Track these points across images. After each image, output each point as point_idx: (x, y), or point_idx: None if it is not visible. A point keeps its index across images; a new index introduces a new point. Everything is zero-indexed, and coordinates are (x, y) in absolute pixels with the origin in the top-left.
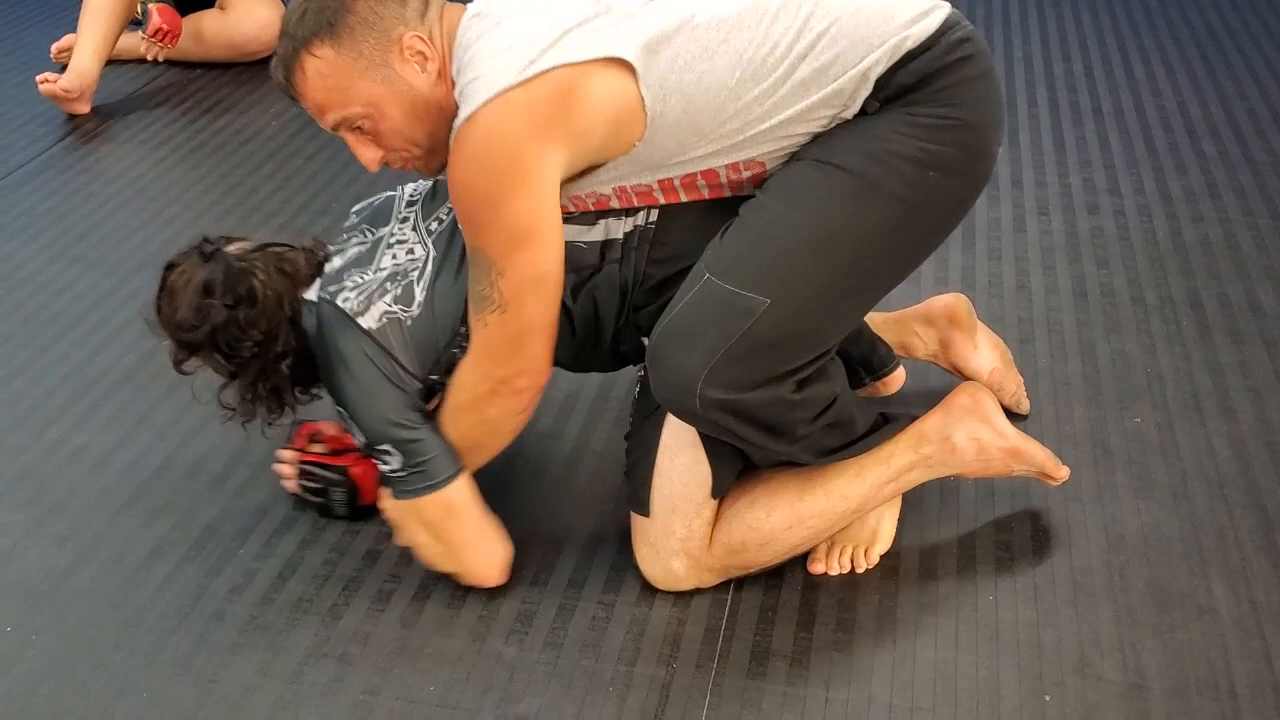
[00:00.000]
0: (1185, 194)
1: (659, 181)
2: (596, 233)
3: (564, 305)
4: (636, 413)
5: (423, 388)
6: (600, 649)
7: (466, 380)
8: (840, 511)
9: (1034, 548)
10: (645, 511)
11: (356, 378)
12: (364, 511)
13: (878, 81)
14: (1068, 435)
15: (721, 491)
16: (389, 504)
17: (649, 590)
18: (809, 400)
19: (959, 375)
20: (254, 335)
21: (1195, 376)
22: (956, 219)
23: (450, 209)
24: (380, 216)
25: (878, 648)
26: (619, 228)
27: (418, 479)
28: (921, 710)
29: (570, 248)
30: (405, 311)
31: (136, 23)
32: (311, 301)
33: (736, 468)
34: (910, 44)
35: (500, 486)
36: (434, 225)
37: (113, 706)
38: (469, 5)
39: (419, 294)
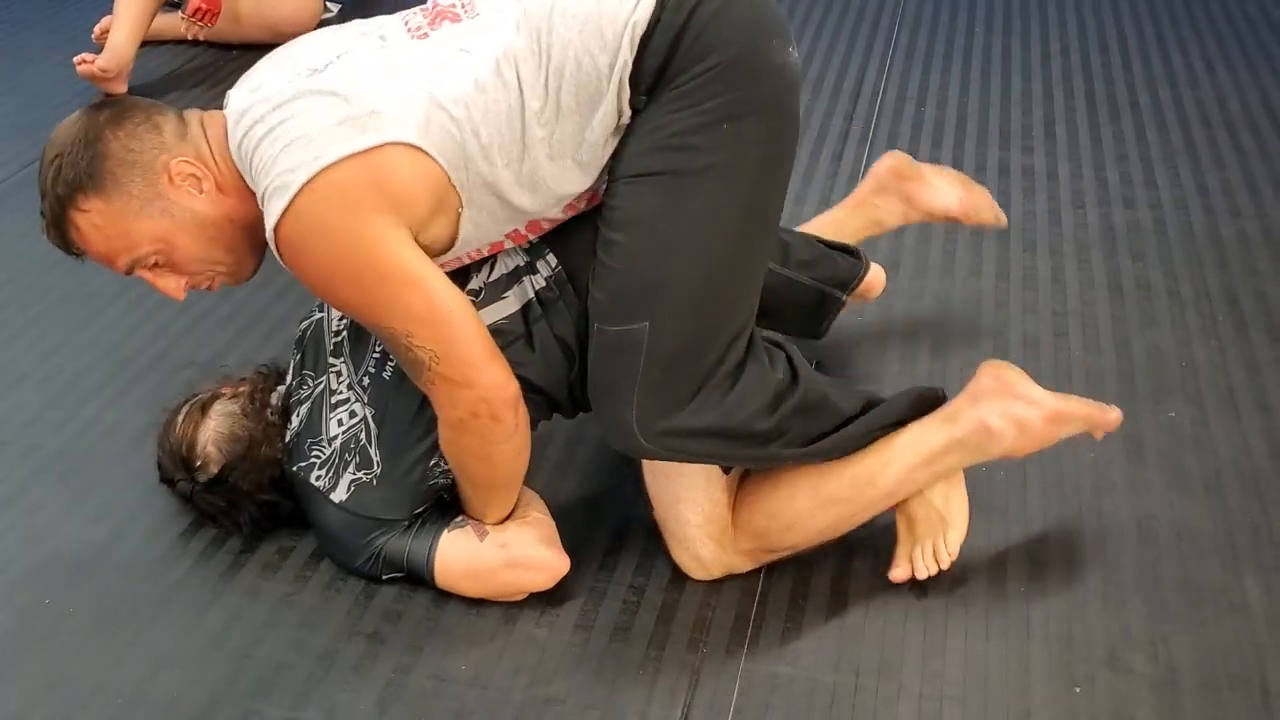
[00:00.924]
0: (1223, 188)
1: (507, 234)
2: (510, 304)
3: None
4: None
5: (407, 520)
6: (630, 633)
7: (449, 436)
8: (868, 497)
9: (1065, 540)
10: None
11: (337, 543)
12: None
13: (631, 80)
14: None
15: (728, 468)
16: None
17: (679, 575)
18: (747, 392)
19: (937, 219)
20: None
21: (1231, 371)
22: (787, 141)
23: (376, 355)
24: (319, 360)
25: (908, 637)
26: (530, 287)
27: (420, 570)
28: (951, 700)
29: (492, 330)
30: (368, 474)
31: (173, 4)
32: (289, 469)
33: None
34: (641, 28)
35: (528, 473)
36: (365, 380)
37: (148, 680)
38: (228, 107)
39: (374, 454)
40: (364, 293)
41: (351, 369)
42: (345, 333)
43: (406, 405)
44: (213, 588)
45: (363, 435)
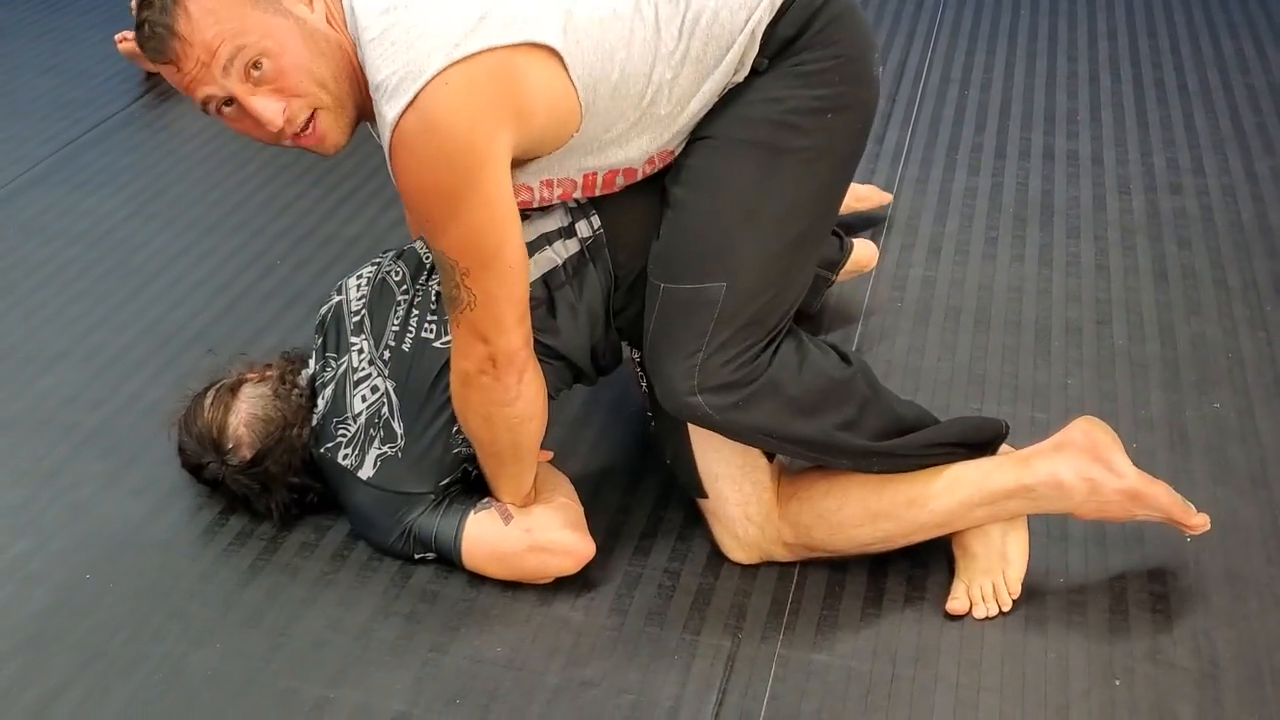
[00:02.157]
0: (1273, 175)
1: (584, 176)
2: (531, 270)
3: (539, 345)
4: (652, 408)
5: (434, 494)
6: (665, 617)
7: (456, 388)
8: (919, 520)
9: (1106, 531)
10: (705, 493)
11: (369, 522)
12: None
13: (762, 38)
14: (1144, 419)
15: (771, 455)
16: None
17: (715, 561)
18: (805, 363)
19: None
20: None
21: (1278, 362)
22: (863, 144)
23: (395, 328)
24: (340, 341)
25: (945, 626)
26: (556, 254)
27: (448, 551)
28: (988, 690)
29: None
30: (393, 447)
31: None
32: (317, 451)
33: None
34: None
35: (564, 456)
36: (386, 354)
37: (187, 655)
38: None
39: (397, 426)
40: (452, 214)
41: (372, 344)
42: (364, 311)
43: (425, 373)
44: (251, 565)
45: (385, 409)
